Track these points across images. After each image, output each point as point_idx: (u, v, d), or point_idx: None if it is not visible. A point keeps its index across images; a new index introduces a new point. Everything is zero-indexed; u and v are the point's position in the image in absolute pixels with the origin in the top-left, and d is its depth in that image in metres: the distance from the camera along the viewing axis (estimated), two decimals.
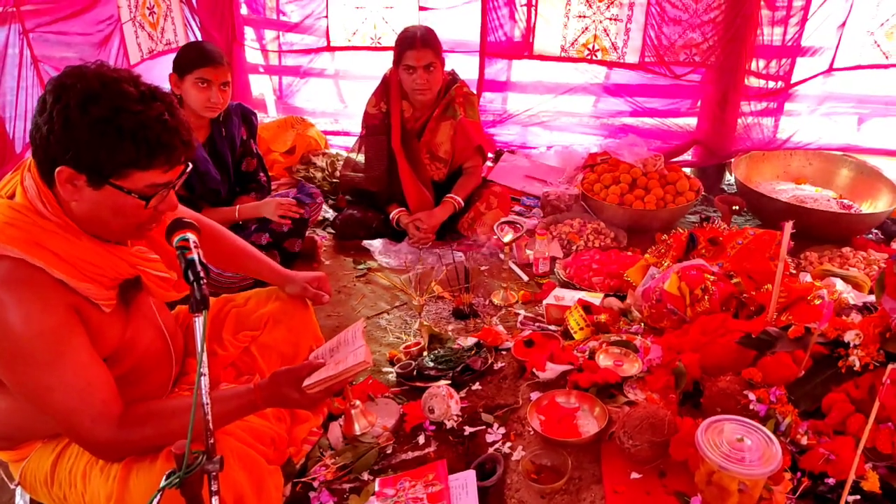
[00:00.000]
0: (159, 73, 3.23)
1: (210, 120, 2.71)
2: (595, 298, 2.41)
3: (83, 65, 1.32)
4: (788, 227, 1.88)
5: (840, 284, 2.32)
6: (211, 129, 2.75)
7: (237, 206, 2.83)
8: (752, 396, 1.64)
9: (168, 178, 1.36)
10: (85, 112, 1.25)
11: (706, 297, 2.11)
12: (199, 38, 3.92)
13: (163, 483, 1.09)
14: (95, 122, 1.25)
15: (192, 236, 1.33)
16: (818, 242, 2.90)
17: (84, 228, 1.38)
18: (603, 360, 1.97)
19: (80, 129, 1.25)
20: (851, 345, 1.72)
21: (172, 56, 2.61)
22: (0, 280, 1.27)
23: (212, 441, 1.15)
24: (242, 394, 1.52)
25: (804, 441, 1.55)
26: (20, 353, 1.29)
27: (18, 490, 1.62)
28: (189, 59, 2.55)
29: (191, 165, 1.42)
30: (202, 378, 1.14)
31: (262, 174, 3.00)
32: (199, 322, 1.17)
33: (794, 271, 2.57)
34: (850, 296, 2.22)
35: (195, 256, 1.28)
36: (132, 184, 1.32)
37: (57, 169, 1.28)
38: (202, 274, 1.25)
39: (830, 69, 3.49)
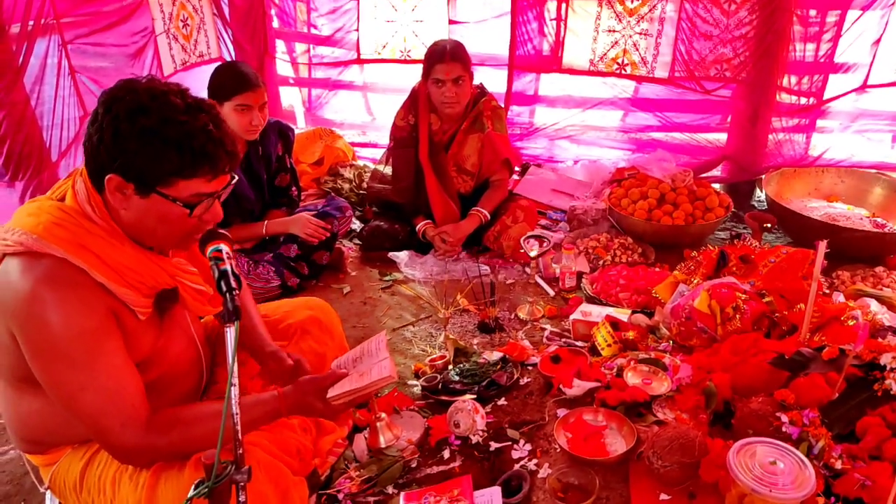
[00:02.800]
0: (192, 85, 3.23)
1: (247, 140, 2.74)
2: (622, 315, 2.38)
3: (135, 79, 1.37)
4: (822, 245, 1.85)
5: (874, 305, 2.28)
6: (247, 148, 2.78)
7: (265, 222, 2.86)
8: (784, 418, 1.60)
9: (213, 188, 1.39)
10: (133, 122, 1.30)
11: (737, 315, 2.08)
12: (232, 51, 3.98)
13: (191, 493, 1.10)
14: (142, 132, 1.30)
15: (225, 247, 1.35)
16: (850, 261, 2.85)
17: (130, 235, 1.42)
18: (631, 378, 1.94)
19: (129, 138, 1.30)
20: (888, 368, 1.68)
21: (205, 68, 2.65)
22: (43, 278, 1.30)
23: (240, 451, 1.15)
24: (267, 401, 1.53)
25: (838, 465, 1.51)
26: (58, 351, 1.31)
27: (48, 494, 1.64)
28: (228, 86, 2.57)
29: (237, 177, 1.44)
30: (233, 388, 1.15)
31: (294, 188, 3.04)
32: (230, 333, 1.18)
33: (826, 291, 2.53)
34: (885, 317, 2.18)
35: (228, 267, 1.30)
36: (177, 192, 1.35)
37: (107, 177, 1.33)
38: (234, 285, 1.26)
39: (864, 86, 3.44)
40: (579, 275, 2.89)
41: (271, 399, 1.53)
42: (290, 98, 4.47)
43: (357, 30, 4.03)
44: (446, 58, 2.97)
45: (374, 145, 4.31)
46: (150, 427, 1.40)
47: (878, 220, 3.22)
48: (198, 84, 2.63)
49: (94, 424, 1.37)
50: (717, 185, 3.61)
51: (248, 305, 1.86)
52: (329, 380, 1.56)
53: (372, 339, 1.76)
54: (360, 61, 4.13)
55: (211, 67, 2.69)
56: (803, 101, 3.51)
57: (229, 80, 2.57)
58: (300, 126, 4.38)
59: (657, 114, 3.77)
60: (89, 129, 1.34)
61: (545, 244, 2.78)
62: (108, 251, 1.37)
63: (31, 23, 2.52)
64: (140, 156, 1.30)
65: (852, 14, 3.27)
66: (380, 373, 1.56)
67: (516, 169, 3.74)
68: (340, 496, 1.79)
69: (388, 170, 3.43)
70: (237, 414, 1.15)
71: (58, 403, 1.38)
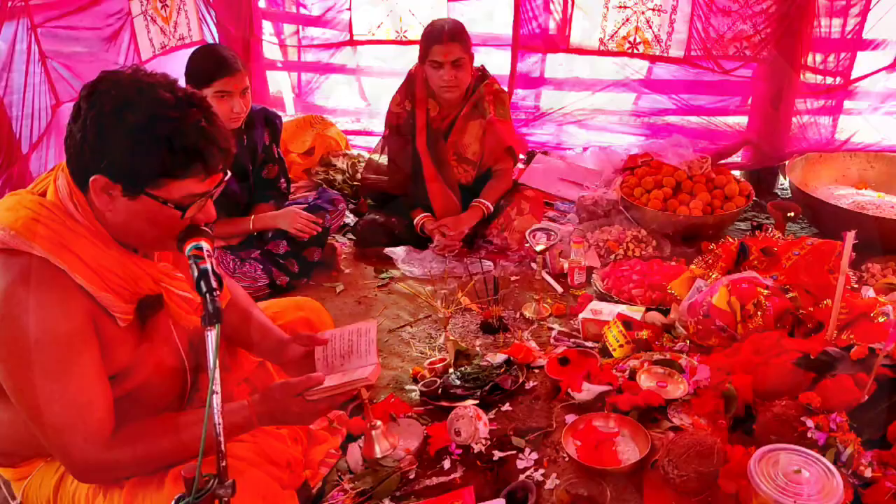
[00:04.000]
0: (172, 70, 3.20)
1: (231, 129, 2.72)
2: (636, 313, 2.38)
3: (118, 70, 1.36)
4: (850, 237, 1.84)
5: None
6: (235, 139, 2.76)
7: (252, 217, 2.85)
8: (810, 423, 1.60)
9: (206, 188, 1.38)
10: (120, 119, 1.28)
11: (759, 312, 2.07)
12: (215, 33, 3.97)
13: None
14: (130, 130, 1.28)
15: (205, 245, 1.34)
16: (881, 253, 2.83)
17: (115, 237, 1.41)
18: (645, 381, 1.94)
19: (115, 136, 1.29)
20: None
21: (186, 52, 2.63)
22: (21, 277, 1.30)
23: (224, 464, 1.14)
24: (236, 411, 1.51)
25: (868, 473, 1.51)
26: (30, 357, 1.31)
27: None
28: (205, 71, 2.55)
29: (229, 174, 1.43)
30: (214, 396, 1.14)
31: (282, 180, 3.03)
32: (211, 336, 1.17)
33: (855, 285, 2.52)
34: None
35: (208, 266, 1.29)
36: (168, 193, 1.34)
37: (92, 178, 1.31)
38: (215, 285, 1.25)
39: (895, 64, 3.42)
40: (589, 270, 2.88)
41: (240, 408, 1.51)
42: (279, 83, 4.46)
43: (349, 9, 4.00)
44: (444, 38, 2.95)
45: (369, 133, 4.30)
46: (114, 441, 1.38)
47: None
48: (179, 69, 2.62)
49: (55, 437, 1.36)
50: (737, 173, 3.60)
51: (242, 300, 1.84)
52: (302, 386, 1.53)
53: (361, 332, 1.73)
54: (352, 43, 4.10)
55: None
56: (829, 80, 3.48)
57: (206, 65, 2.56)
58: (289, 113, 4.37)
59: (672, 96, 3.75)
60: (71, 126, 1.33)
61: (552, 238, 2.77)
62: (90, 252, 1.36)
63: None
64: (128, 155, 1.29)
65: None
66: (363, 374, 1.56)
67: (521, 157, 3.74)
68: None
69: (383, 159, 3.42)
70: (220, 424, 1.14)
71: (21, 410, 1.37)
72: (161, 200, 1.34)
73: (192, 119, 1.32)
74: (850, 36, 3.37)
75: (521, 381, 2.17)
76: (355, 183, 3.73)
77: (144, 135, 1.28)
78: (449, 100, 3.13)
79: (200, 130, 1.32)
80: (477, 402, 2.07)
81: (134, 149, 1.29)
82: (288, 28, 4.27)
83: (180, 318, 1.55)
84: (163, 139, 1.29)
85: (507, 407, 2.10)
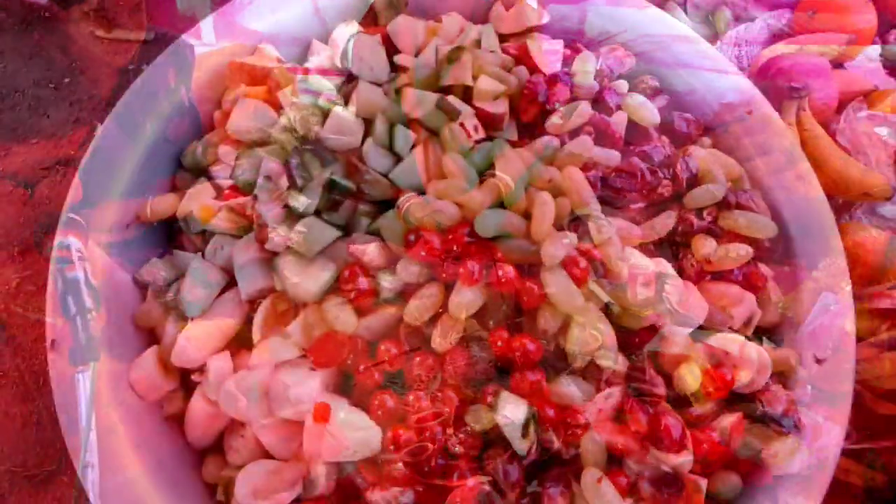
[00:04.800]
0: None
1: (116, 67, 2.72)
2: (730, 343, 2.38)
3: None
4: None
5: None
6: (118, 80, 2.77)
7: (149, 200, 2.85)
8: None
9: (65, 152, 1.37)
10: None
11: None
12: None
13: None
14: None
15: (76, 242, 1.34)
16: None
17: None
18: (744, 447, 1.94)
19: None
20: None
21: None
22: None
23: None
24: (125, 488, 1.51)
25: None
26: None
27: None
28: None
29: (100, 128, 1.43)
30: (88, 471, 1.14)
31: (196, 144, 3.03)
32: (82, 382, 1.17)
33: None
34: None
35: (80, 274, 1.28)
36: (6, 164, 1.33)
37: None
38: (90, 304, 1.25)
39: None
40: (660, 278, 2.88)
41: (130, 485, 1.51)
42: None
43: None
44: None
45: (328, 72, 4.30)
46: None
47: None
48: None
49: None
50: (883, 132, 3.60)
51: None
52: None
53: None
54: None
55: None
56: None
57: None
58: (206, 41, 4.37)
59: (786, 13, 3.76)
60: None
61: (603, 228, 2.77)
62: None
63: None
64: None
65: None
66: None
67: (557, 107, 3.74)
68: None
69: (350, 112, 3.43)
70: None
71: None
72: None
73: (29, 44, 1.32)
74: None
75: (555, 446, 2.17)
76: (307, 147, 3.74)
77: None
78: (446, 21, 3.13)
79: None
80: (489, 477, 2.08)
81: None
82: None
83: (34, 353, 1.55)
84: None
85: (534, 486, 2.10)
